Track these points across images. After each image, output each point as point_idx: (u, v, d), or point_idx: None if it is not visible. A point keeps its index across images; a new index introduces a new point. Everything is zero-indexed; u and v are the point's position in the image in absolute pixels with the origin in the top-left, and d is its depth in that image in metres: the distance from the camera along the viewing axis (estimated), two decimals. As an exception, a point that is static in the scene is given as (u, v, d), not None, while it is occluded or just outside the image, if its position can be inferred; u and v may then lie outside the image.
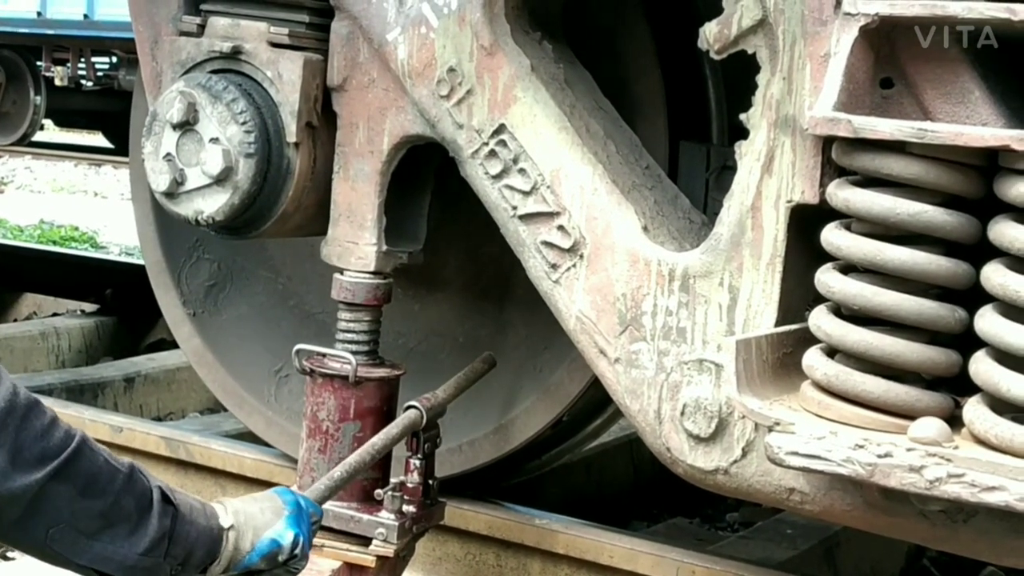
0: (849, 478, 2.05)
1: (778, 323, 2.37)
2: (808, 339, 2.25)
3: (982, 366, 2.05)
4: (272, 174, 2.92)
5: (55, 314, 6.42)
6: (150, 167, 2.96)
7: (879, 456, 2.01)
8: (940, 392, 2.16)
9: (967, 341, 2.13)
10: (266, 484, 3.36)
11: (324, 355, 2.97)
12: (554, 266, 2.65)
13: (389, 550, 2.88)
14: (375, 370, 2.97)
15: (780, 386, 2.25)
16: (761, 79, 2.37)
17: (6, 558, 3.45)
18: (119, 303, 6.16)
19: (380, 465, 2.96)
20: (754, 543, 3.67)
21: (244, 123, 2.86)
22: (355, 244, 2.93)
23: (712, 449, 2.44)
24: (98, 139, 17.41)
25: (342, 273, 2.96)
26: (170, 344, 5.41)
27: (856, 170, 2.20)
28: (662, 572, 3.16)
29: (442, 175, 3.07)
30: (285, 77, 2.89)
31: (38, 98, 11.74)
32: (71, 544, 1.94)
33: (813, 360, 2.19)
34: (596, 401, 3.49)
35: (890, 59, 2.26)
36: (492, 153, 2.71)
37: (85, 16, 11.01)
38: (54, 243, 9.65)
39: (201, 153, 2.90)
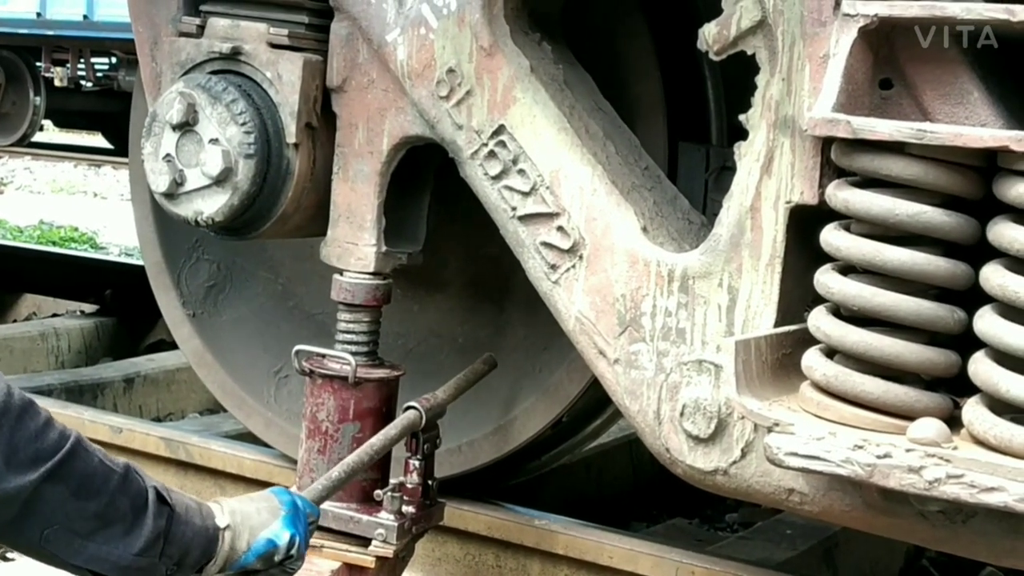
0: (848, 479, 2.05)
1: (777, 324, 2.37)
2: (807, 340, 2.25)
3: (981, 367, 2.05)
4: (272, 175, 2.92)
5: (55, 315, 6.42)
6: (150, 168, 2.96)
7: (878, 457, 2.01)
8: (939, 393, 2.16)
9: (966, 342, 2.13)
10: (265, 485, 3.35)
11: (323, 356, 2.97)
12: (553, 267, 2.65)
13: (388, 551, 2.88)
14: (374, 371, 2.97)
15: (779, 387, 2.25)
16: (760, 80, 2.38)
17: (6, 559, 3.45)
18: (119, 304, 6.16)
19: (379, 466, 2.96)
20: (753, 543, 3.67)
21: (244, 124, 2.86)
22: (354, 245, 2.93)
23: (711, 450, 2.45)
24: (98, 140, 17.42)
25: (341, 274, 2.96)
26: (170, 345, 5.41)
27: (855, 171, 2.20)
28: (662, 572, 3.16)
29: (441, 176, 3.07)
30: (284, 78, 2.89)
31: (38, 99, 11.74)
32: (66, 545, 1.95)
33: (812, 361, 2.19)
34: (595, 402, 3.49)
35: (889, 60, 2.27)
36: (491, 154, 2.72)
37: (85, 17, 11.02)
38: (54, 244, 9.64)
39: (201, 154, 2.90)
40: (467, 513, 3.37)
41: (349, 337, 2.98)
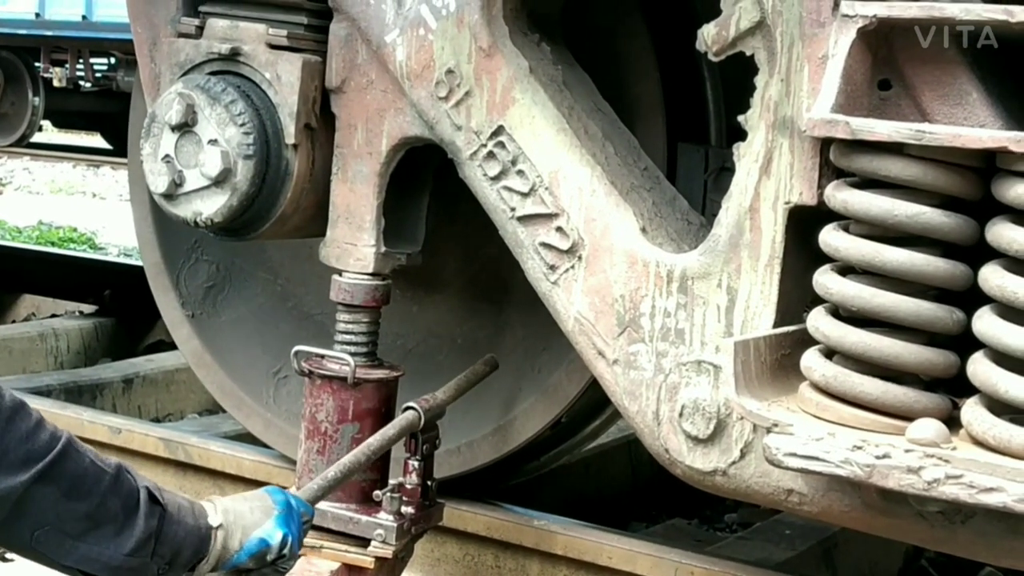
0: (847, 479, 2.05)
1: (776, 324, 2.38)
2: (806, 340, 2.25)
3: (980, 367, 2.05)
4: (271, 176, 2.92)
5: (53, 315, 6.42)
6: (149, 168, 2.96)
7: (877, 457, 2.01)
8: (938, 393, 2.16)
9: (965, 342, 2.13)
10: (264, 485, 3.36)
11: (323, 356, 2.97)
12: (552, 267, 2.65)
13: (388, 551, 2.88)
14: (374, 371, 2.97)
15: (778, 387, 2.25)
16: (759, 81, 2.38)
17: (5, 559, 3.45)
18: (118, 304, 6.16)
19: (379, 466, 2.96)
20: (753, 544, 3.67)
21: (243, 125, 2.86)
22: (354, 246, 2.93)
23: (710, 450, 2.45)
24: (96, 140, 17.41)
25: (341, 274, 2.96)
26: (169, 345, 5.41)
27: (854, 172, 2.20)
28: (661, 573, 3.16)
29: (440, 176, 3.08)
30: (284, 79, 2.89)
31: (36, 99, 11.73)
32: (57, 545, 1.95)
33: (811, 361, 2.19)
34: (595, 402, 3.49)
35: (888, 61, 2.27)
36: (490, 155, 2.72)
37: (84, 17, 11.01)
38: (52, 244, 9.64)
39: (200, 155, 2.90)
40: (466, 513, 3.37)
41: (348, 338, 2.98)
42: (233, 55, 2.93)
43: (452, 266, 3.42)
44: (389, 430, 2.83)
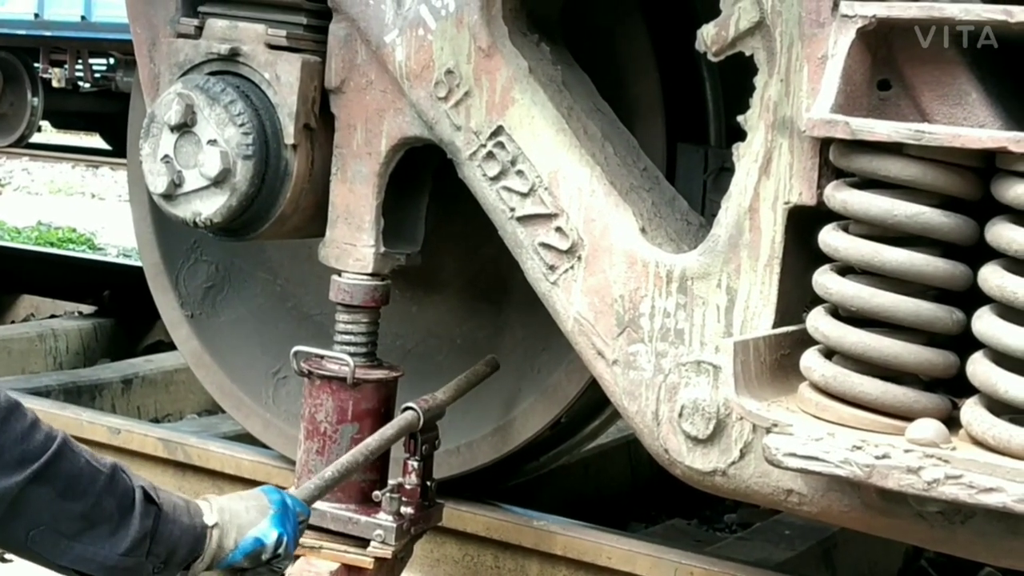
0: (847, 479, 2.05)
1: (776, 325, 2.38)
2: (806, 340, 2.25)
3: (980, 367, 2.05)
4: (270, 176, 2.92)
5: (53, 316, 6.42)
6: (148, 169, 2.96)
7: (877, 457, 2.01)
8: (938, 393, 2.16)
9: (965, 342, 2.13)
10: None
11: (322, 357, 2.97)
12: (552, 267, 2.65)
13: (387, 551, 2.88)
14: (373, 372, 2.97)
15: (778, 388, 2.25)
16: (759, 81, 2.38)
17: (4, 560, 3.45)
18: (117, 305, 6.16)
19: (378, 467, 2.96)
20: (752, 544, 3.67)
21: (242, 125, 2.86)
22: (353, 246, 2.93)
23: (710, 450, 2.45)
24: (96, 141, 17.39)
25: (340, 275, 2.96)
26: (168, 346, 5.41)
27: (854, 172, 2.20)
28: (660, 573, 3.16)
29: (440, 177, 3.07)
30: (283, 79, 2.89)
31: (35, 100, 11.71)
32: (52, 546, 1.96)
33: (811, 361, 2.19)
34: (594, 402, 3.49)
35: (887, 61, 2.27)
36: (490, 155, 2.72)
37: (83, 18, 11.00)
38: (52, 245, 9.64)
39: (199, 155, 2.90)
40: (466, 514, 3.37)
41: (347, 338, 2.98)
42: (232, 55, 2.93)
43: (451, 266, 3.42)
44: (388, 430, 2.82)
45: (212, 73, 2.95)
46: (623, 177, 2.69)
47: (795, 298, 2.41)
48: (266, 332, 3.70)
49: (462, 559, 3.42)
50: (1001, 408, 2.03)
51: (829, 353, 2.20)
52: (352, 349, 2.96)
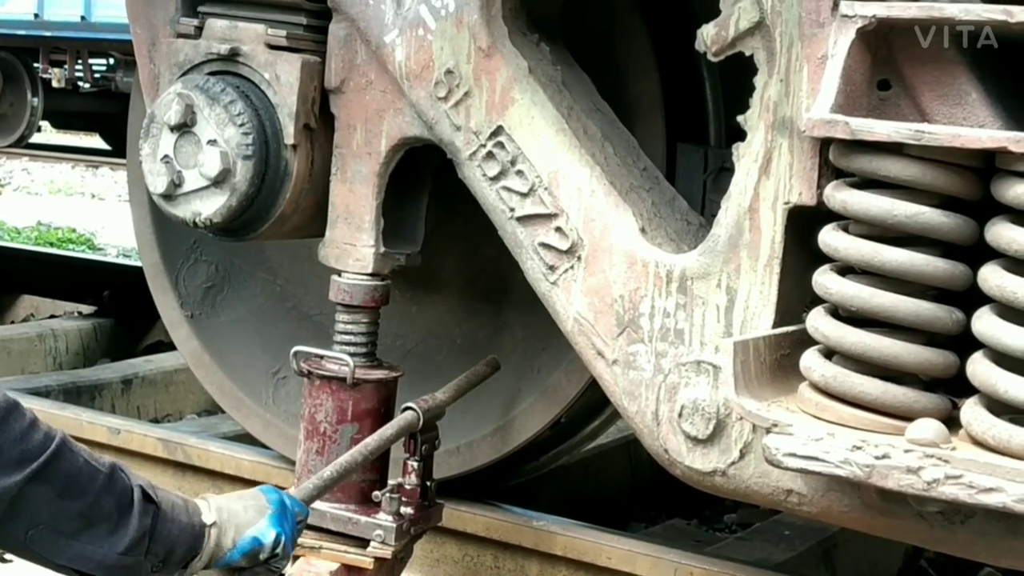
0: (847, 479, 2.05)
1: (776, 325, 2.37)
2: (806, 341, 2.25)
3: (980, 367, 2.05)
4: (270, 176, 2.92)
5: (52, 316, 6.42)
6: (148, 169, 2.96)
7: (877, 457, 2.01)
8: (937, 393, 2.16)
9: (964, 342, 2.13)
10: (263, 486, 3.36)
11: (322, 357, 2.97)
12: (552, 267, 2.65)
13: (387, 552, 2.88)
14: (373, 372, 2.97)
15: (778, 388, 2.25)
16: (758, 81, 2.38)
17: (4, 560, 3.45)
18: (116, 305, 6.16)
19: (378, 467, 2.96)
20: (752, 544, 3.67)
21: (242, 125, 2.86)
22: (353, 246, 2.93)
23: (710, 451, 2.45)
24: (95, 141, 17.39)
25: (340, 275, 2.96)
26: (168, 346, 5.41)
27: (853, 172, 2.20)
28: (660, 574, 3.16)
29: (440, 177, 3.07)
30: (283, 79, 2.89)
31: (35, 100, 11.71)
32: (51, 545, 1.96)
33: (811, 362, 2.19)
34: (594, 402, 3.49)
35: (887, 61, 2.27)
36: (490, 155, 2.72)
37: (82, 18, 11.00)
38: (51, 245, 9.64)
39: (199, 155, 2.90)
40: (465, 514, 3.37)
41: (347, 338, 2.98)
42: (232, 55, 2.93)
43: (451, 266, 3.42)
44: (387, 430, 2.82)
45: (212, 73, 2.95)
46: (623, 177, 2.69)
47: (795, 298, 2.41)
48: (266, 332, 3.70)
49: (462, 559, 3.42)
50: (1001, 408, 2.03)
51: (829, 353, 2.20)
52: (352, 349, 2.96)
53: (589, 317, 2.59)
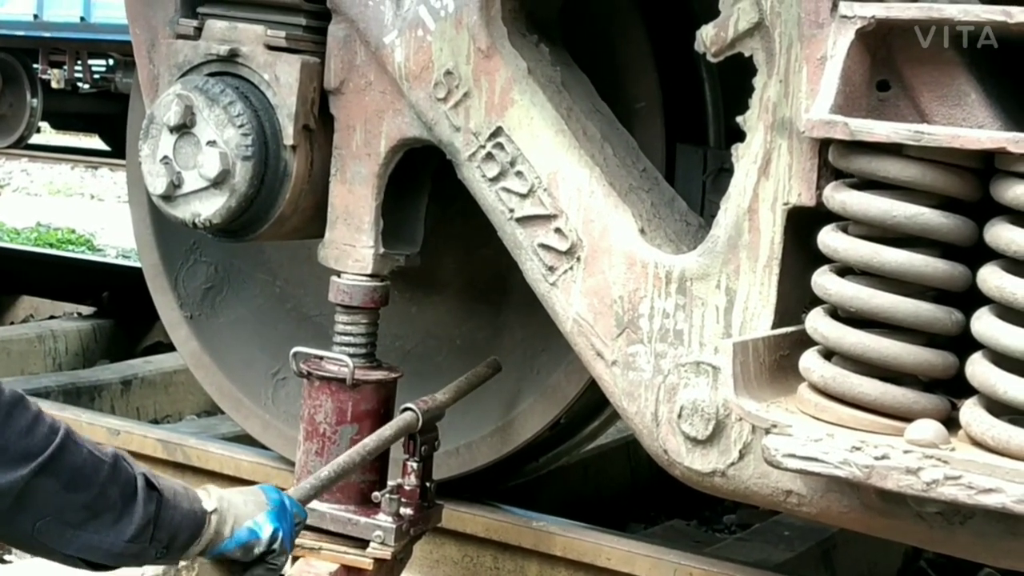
0: (846, 480, 2.05)
1: (775, 325, 2.37)
2: (805, 341, 2.25)
3: (979, 368, 2.05)
4: (269, 177, 2.92)
5: (52, 317, 6.42)
6: (147, 170, 2.96)
7: (876, 458, 2.01)
8: (937, 394, 2.16)
9: (964, 343, 2.13)
10: (263, 487, 3.36)
11: (321, 358, 2.97)
12: (551, 268, 2.65)
13: (386, 552, 2.88)
14: (372, 373, 2.97)
15: (777, 388, 2.25)
16: (758, 82, 2.38)
17: (3, 561, 3.45)
18: (116, 306, 6.16)
19: (377, 468, 2.96)
20: (751, 545, 3.67)
21: (241, 126, 2.86)
22: (352, 247, 2.93)
23: (709, 451, 2.45)
24: (95, 142, 17.40)
25: (339, 276, 2.96)
26: (167, 347, 5.40)
27: (853, 173, 2.20)
28: (660, 574, 3.16)
29: (439, 177, 3.07)
30: (282, 80, 2.89)
31: (35, 101, 11.73)
32: (58, 536, 1.99)
33: (810, 362, 2.19)
34: (593, 403, 3.49)
35: (886, 62, 2.27)
36: (489, 156, 2.72)
37: (82, 19, 11.01)
38: (51, 246, 9.64)
39: (198, 156, 2.90)
40: (465, 515, 3.37)
41: (347, 339, 2.98)
42: (231, 56, 2.93)
43: (451, 267, 3.42)
44: (386, 431, 2.82)
45: (211, 74, 2.95)
46: (622, 178, 2.69)
47: (794, 299, 2.41)
48: (265, 333, 3.70)
49: (461, 560, 3.42)
50: (1000, 409, 2.03)
51: (828, 354, 2.20)
52: (351, 350, 2.96)
53: (588, 318, 2.59)
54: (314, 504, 2.66)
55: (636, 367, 2.53)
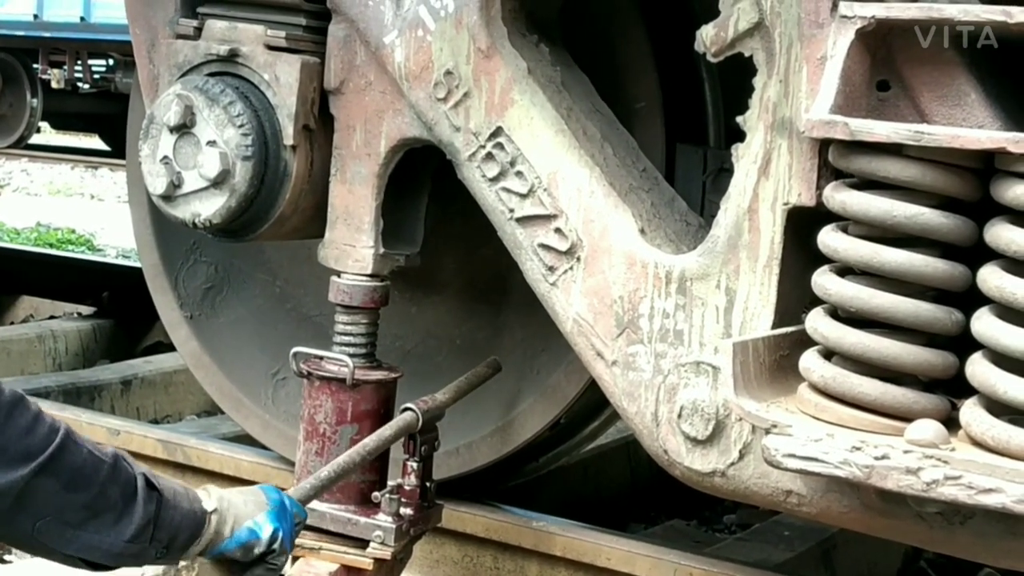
0: (846, 480, 2.05)
1: (775, 325, 2.37)
2: (805, 341, 2.25)
3: (979, 368, 2.05)
4: (269, 177, 2.92)
5: (52, 317, 6.42)
6: (147, 170, 2.96)
7: (876, 458, 2.01)
8: (937, 394, 2.16)
9: (964, 343, 2.13)
10: (263, 487, 3.36)
11: (321, 358, 2.97)
12: (551, 268, 2.65)
13: (386, 552, 2.88)
14: (372, 373, 2.97)
15: (777, 388, 2.25)
16: (758, 82, 2.38)
17: (3, 561, 3.45)
18: (116, 306, 6.16)
19: (377, 468, 2.96)
20: (751, 545, 3.67)
21: (241, 126, 2.86)
22: (352, 247, 2.93)
23: (709, 451, 2.45)
24: (95, 142, 17.40)
25: (339, 276, 2.96)
26: (167, 347, 5.40)
27: (853, 173, 2.20)
28: (660, 574, 3.16)
29: (439, 177, 3.07)
30: (282, 80, 2.89)
31: (35, 101, 11.72)
32: (58, 536, 1.99)
33: (810, 362, 2.19)
34: (593, 403, 3.49)
35: (886, 62, 2.27)
36: (489, 156, 2.72)
37: (82, 19, 11.01)
38: (51, 246, 9.64)
39: (198, 156, 2.90)
40: (465, 515, 3.37)
41: (347, 339, 2.98)
42: (231, 56, 2.93)
43: (451, 267, 3.42)
44: (385, 431, 2.82)
45: (211, 74, 2.95)
46: (622, 178, 2.69)
47: (794, 299, 2.41)
48: (265, 333, 3.70)
49: (461, 560, 3.42)
50: (1000, 409, 2.03)
51: (828, 354, 2.20)
52: (351, 350, 2.96)
53: (588, 318, 2.59)
54: (314, 504, 2.66)
55: (636, 367, 2.53)
